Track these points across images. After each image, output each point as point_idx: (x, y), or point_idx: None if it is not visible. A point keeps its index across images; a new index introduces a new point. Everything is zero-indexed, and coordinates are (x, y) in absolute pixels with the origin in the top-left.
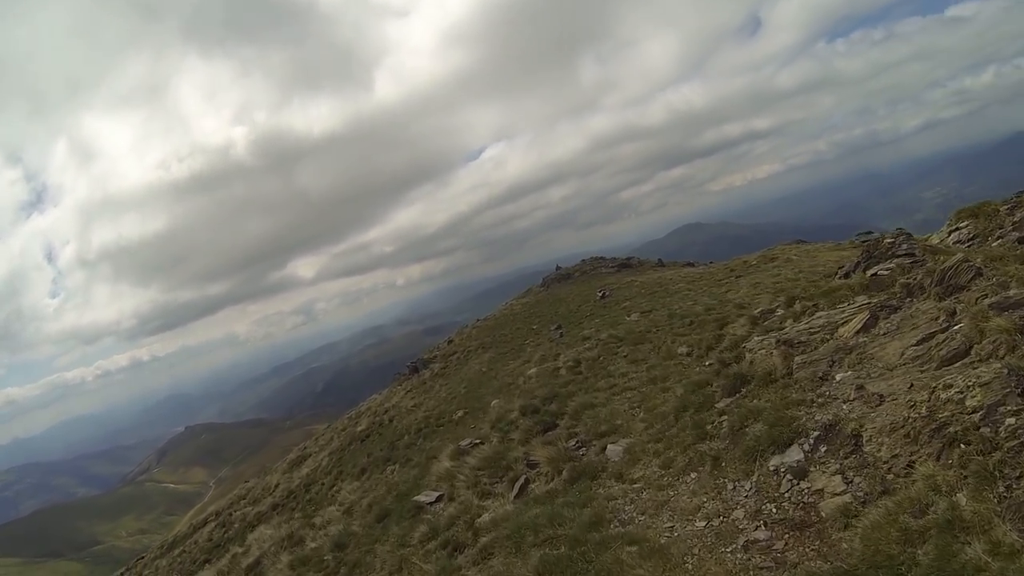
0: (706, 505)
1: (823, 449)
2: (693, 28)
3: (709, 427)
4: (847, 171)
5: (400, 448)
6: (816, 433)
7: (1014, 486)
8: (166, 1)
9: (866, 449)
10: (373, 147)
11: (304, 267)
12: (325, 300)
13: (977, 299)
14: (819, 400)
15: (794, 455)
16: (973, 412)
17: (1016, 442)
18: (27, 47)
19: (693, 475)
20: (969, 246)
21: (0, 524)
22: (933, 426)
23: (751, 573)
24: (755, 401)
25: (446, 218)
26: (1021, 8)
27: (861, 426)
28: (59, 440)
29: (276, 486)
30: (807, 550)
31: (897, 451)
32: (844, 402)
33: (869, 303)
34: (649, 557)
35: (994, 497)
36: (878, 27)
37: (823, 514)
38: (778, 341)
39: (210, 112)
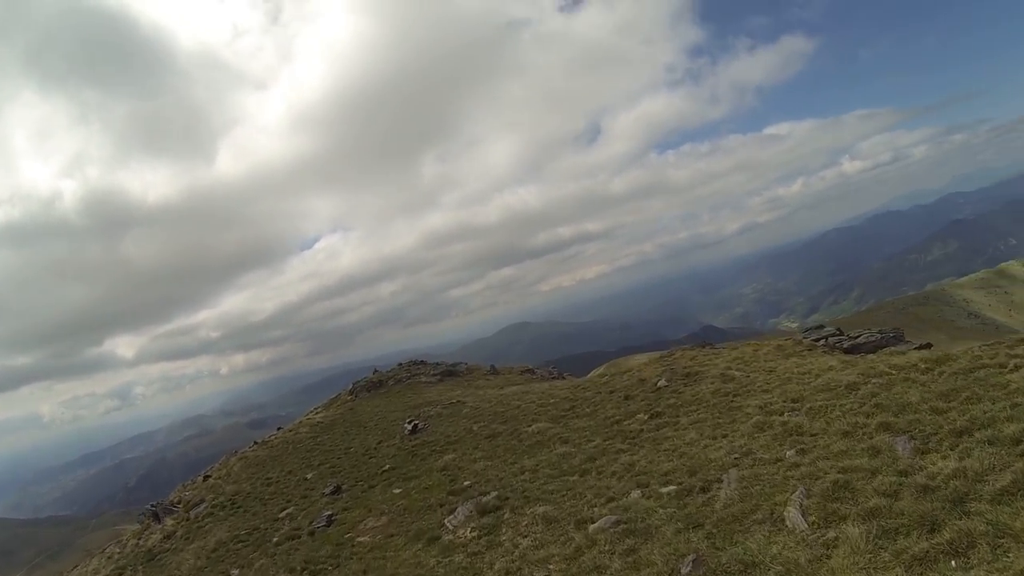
0: None
1: None
2: (537, 132)
3: None
4: (672, 271)
5: None
6: None
7: None
8: (12, 21)
9: None
10: (208, 224)
11: (123, 346)
12: (144, 384)
13: None
14: None
15: None
16: None
17: None
18: None
19: None
20: None
21: None
22: None
23: None
24: None
25: (275, 307)
26: (824, 130)
27: None
28: None
29: None
30: None
31: None
32: None
33: None
34: None
35: None
36: (704, 142)
37: None
38: None
39: (38, 156)
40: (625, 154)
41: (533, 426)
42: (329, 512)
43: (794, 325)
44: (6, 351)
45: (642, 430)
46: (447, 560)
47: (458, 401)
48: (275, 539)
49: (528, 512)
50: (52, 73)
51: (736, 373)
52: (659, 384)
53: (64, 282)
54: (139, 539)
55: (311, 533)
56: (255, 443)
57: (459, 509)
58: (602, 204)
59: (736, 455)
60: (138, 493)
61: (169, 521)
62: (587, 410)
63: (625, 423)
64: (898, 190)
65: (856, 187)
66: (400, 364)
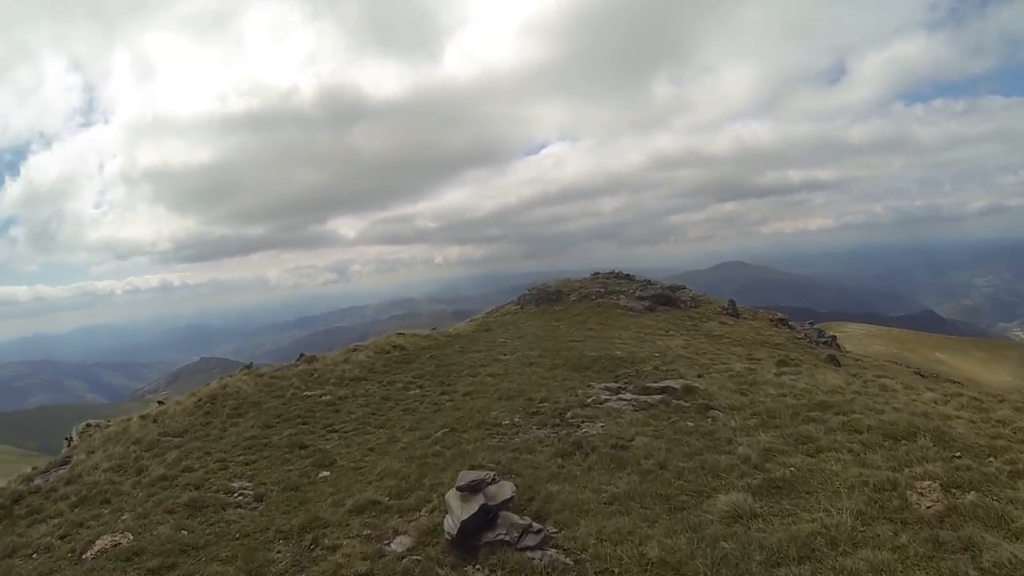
0: None
1: None
2: (775, 64)
3: None
4: (900, 239)
5: None
6: None
7: None
8: None
9: None
10: (433, 121)
11: (345, 226)
12: (361, 263)
13: None
14: None
15: None
16: None
17: None
18: None
19: None
20: None
21: (4, 411)
22: None
23: None
24: None
25: (495, 206)
26: None
27: None
28: (79, 344)
29: None
30: None
31: None
32: None
33: None
34: None
35: None
36: (959, 99)
37: None
38: None
39: (277, 53)
40: (868, 100)
41: None
42: None
43: None
44: (243, 221)
45: None
46: None
47: (686, 384)
48: None
49: None
50: None
51: None
52: None
53: (295, 165)
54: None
55: None
56: (303, 357)
57: None
58: (836, 152)
59: None
60: None
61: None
62: None
63: None
64: None
65: None
66: (596, 273)
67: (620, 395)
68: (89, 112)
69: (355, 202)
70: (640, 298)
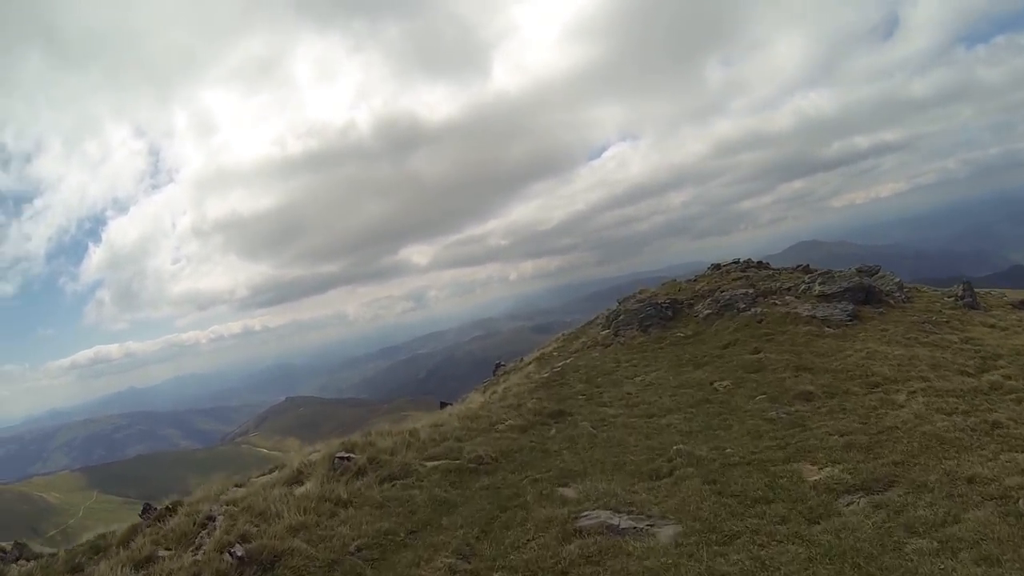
0: None
1: None
2: (824, 27)
3: None
4: (978, 193)
5: None
6: None
7: None
8: None
9: None
10: (492, 138)
11: (417, 254)
12: (437, 288)
13: None
14: None
15: None
16: None
17: None
18: (144, 25)
19: None
20: None
21: (106, 463)
22: None
23: None
24: None
25: (564, 216)
26: None
27: None
28: (171, 394)
29: None
30: None
31: None
32: None
33: None
34: None
35: None
36: (1023, 31)
37: None
38: None
39: (328, 91)
40: (927, 49)
41: None
42: None
43: None
44: (316, 260)
45: None
46: None
47: None
48: None
49: None
50: (319, 12)
51: None
52: None
53: (361, 199)
54: None
55: None
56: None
57: None
58: (901, 110)
59: None
60: (426, 384)
61: None
62: None
63: None
64: None
65: None
66: (716, 266)
67: None
68: (156, 173)
69: (424, 229)
70: (823, 297)
